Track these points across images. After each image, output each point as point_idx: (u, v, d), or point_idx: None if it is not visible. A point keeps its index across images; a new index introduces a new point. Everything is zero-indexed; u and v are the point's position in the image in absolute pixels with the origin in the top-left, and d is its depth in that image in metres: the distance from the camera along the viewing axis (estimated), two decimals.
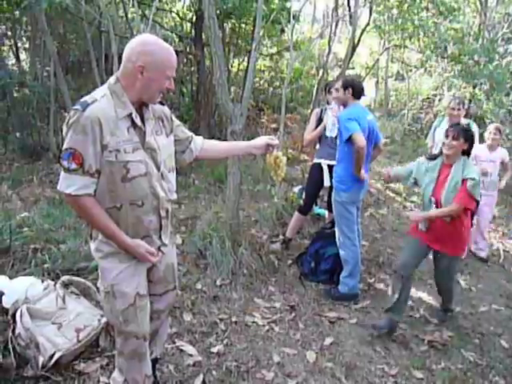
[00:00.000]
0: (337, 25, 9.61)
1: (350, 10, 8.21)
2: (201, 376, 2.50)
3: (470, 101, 8.52)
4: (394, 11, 8.22)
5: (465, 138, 2.85)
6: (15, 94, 7.34)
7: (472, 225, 4.16)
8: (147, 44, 1.67)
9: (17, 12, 7.83)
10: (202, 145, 2.11)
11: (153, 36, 1.76)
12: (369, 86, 12.27)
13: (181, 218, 4.46)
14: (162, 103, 1.91)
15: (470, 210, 2.91)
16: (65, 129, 1.64)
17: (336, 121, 3.78)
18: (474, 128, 4.60)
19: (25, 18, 8.30)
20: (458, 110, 4.41)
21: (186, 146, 2.04)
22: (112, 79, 1.73)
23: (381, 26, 8.70)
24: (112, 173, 1.66)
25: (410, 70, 11.66)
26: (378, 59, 10.90)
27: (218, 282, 3.49)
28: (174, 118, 1.99)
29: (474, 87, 8.46)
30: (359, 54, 11.90)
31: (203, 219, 4.28)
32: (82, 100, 1.64)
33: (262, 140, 2.15)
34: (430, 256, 4.47)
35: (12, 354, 2.32)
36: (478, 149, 4.32)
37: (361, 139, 3.14)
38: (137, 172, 1.70)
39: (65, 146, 1.62)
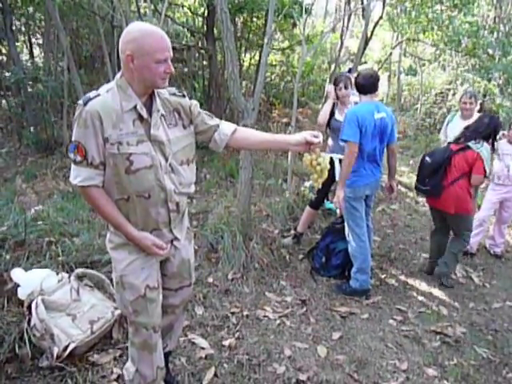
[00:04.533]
0: (349, 18, 9.55)
1: (362, 3, 8.14)
2: (212, 369, 2.52)
3: (485, 95, 8.41)
4: (408, 4, 8.10)
5: None
6: (29, 89, 7.42)
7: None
8: (130, 32, 1.65)
9: (30, 8, 7.92)
10: (231, 134, 1.95)
11: (139, 23, 1.72)
12: (381, 80, 12.15)
13: (192, 212, 4.49)
14: (183, 95, 1.89)
15: None
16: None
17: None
18: None
19: (38, 13, 8.37)
20: (470, 104, 4.35)
21: (210, 137, 1.95)
22: (118, 74, 1.74)
23: (394, 19, 8.59)
24: (116, 165, 1.67)
25: (424, 64, 11.52)
26: (390, 53, 10.78)
27: (230, 276, 3.50)
28: (195, 108, 1.91)
29: (489, 81, 8.34)
30: (372, 48, 11.79)
31: (214, 213, 4.29)
32: (86, 95, 1.67)
33: (300, 136, 1.87)
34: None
35: (27, 344, 2.36)
36: (499, 143, 4.27)
37: (352, 150, 3.21)
38: (141, 164, 1.70)
39: (72, 139, 1.68)
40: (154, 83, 1.70)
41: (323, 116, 4.03)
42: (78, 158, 1.65)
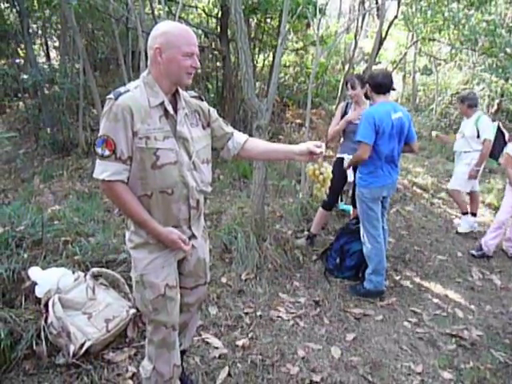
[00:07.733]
0: (363, 18, 9.49)
1: (377, 2, 8.08)
2: (226, 368, 2.53)
3: (502, 95, 8.28)
4: (423, 3, 8.03)
5: None
6: (46, 91, 7.53)
7: None
8: (159, 27, 1.73)
9: (47, 11, 8.04)
10: (243, 144, 2.03)
11: (167, 21, 1.80)
12: (396, 80, 12.04)
13: (206, 212, 4.51)
14: (201, 99, 1.96)
15: None
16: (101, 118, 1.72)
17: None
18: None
19: (55, 16, 8.50)
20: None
21: (224, 144, 2.03)
22: (145, 72, 1.79)
23: (409, 19, 8.51)
24: (143, 160, 1.69)
25: (439, 64, 11.39)
26: (405, 53, 10.68)
27: (243, 277, 3.51)
28: (213, 113, 1.99)
29: (506, 81, 8.21)
30: (386, 48, 11.70)
31: (228, 214, 4.31)
32: (116, 90, 1.71)
33: (304, 146, 1.91)
34: (459, 253, 4.41)
35: (44, 342, 2.40)
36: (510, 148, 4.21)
37: (364, 152, 3.21)
38: (167, 160, 1.73)
39: (99, 134, 1.69)
40: (180, 78, 1.74)
41: (335, 132, 4.06)
42: (107, 153, 1.66)
